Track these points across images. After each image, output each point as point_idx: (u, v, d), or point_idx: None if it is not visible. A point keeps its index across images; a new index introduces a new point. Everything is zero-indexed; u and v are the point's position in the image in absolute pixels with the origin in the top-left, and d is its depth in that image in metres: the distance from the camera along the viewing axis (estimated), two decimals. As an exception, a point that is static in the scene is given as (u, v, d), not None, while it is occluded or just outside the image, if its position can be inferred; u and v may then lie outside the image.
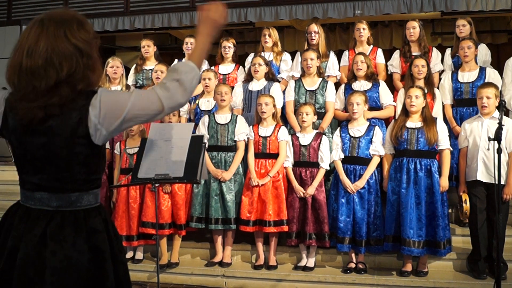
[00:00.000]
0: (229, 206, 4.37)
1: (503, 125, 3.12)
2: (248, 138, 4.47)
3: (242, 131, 4.47)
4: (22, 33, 1.63)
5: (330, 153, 4.34)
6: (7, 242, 1.59)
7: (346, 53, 5.28)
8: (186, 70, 1.64)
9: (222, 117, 4.51)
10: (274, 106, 4.47)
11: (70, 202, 1.62)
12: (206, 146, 3.89)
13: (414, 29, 5.05)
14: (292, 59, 5.30)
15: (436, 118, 4.25)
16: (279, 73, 5.23)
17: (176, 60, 5.73)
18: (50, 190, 1.61)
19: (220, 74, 5.31)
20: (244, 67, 5.39)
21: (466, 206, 4.00)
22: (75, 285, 1.54)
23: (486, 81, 4.48)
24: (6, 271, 1.55)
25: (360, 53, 4.81)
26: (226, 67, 5.40)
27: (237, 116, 4.55)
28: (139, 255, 4.62)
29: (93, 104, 1.57)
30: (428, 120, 4.13)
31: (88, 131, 1.57)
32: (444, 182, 4.06)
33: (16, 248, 1.56)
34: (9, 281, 1.55)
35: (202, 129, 4.46)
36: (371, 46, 5.21)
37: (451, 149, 4.21)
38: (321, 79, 4.73)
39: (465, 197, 4.05)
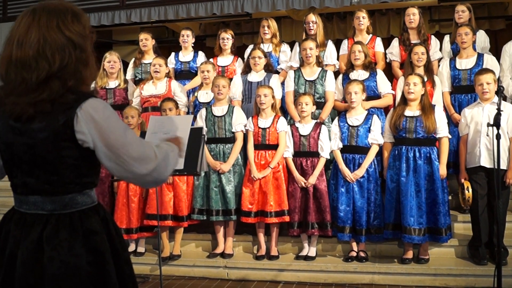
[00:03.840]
0: (229, 197, 4.38)
1: (502, 110, 3.12)
2: (247, 129, 4.47)
3: (239, 122, 4.46)
4: (13, 25, 1.52)
5: (330, 142, 4.34)
6: (6, 249, 1.52)
7: (345, 41, 5.26)
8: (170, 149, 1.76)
9: (219, 109, 4.51)
10: (273, 97, 4.46)
11: (64, 205, 1.53)
12: (206, 138, 3.89)
13: (414, 16, 5.03)
14: (291, 50, 5.28)
15: (435, 106, 4.24)
16: (278, 64, 5.21)
17: (173, 53, 5.71)
18: (42, 193, 1.52)
19: (219, 66, 5.30)
20: (242, 58, 5.37)
21: (469, 193, 4.00)
22: None
23: (483, 67, 4.47)
24: (8, 278, 1.50)
25: (357, 42, 4.78)
26: (225, 59, 5.38)
27: (234, 107, 4.54)
28: (141, 248, 4.64)
29: (84, 109, 1.47)
30: (427, 108, 4.11)
31: (74, 134, 1.47)
32: (442, 170, 4.06)
33: (15, 255, 1.49)
34: None
35: (200, 122, 4.47)
36: (370, 35, 5.18)
37: (450, 137, 4.21)
38: (320, 68, 4.71)
39: (467, 184, 4.05)
